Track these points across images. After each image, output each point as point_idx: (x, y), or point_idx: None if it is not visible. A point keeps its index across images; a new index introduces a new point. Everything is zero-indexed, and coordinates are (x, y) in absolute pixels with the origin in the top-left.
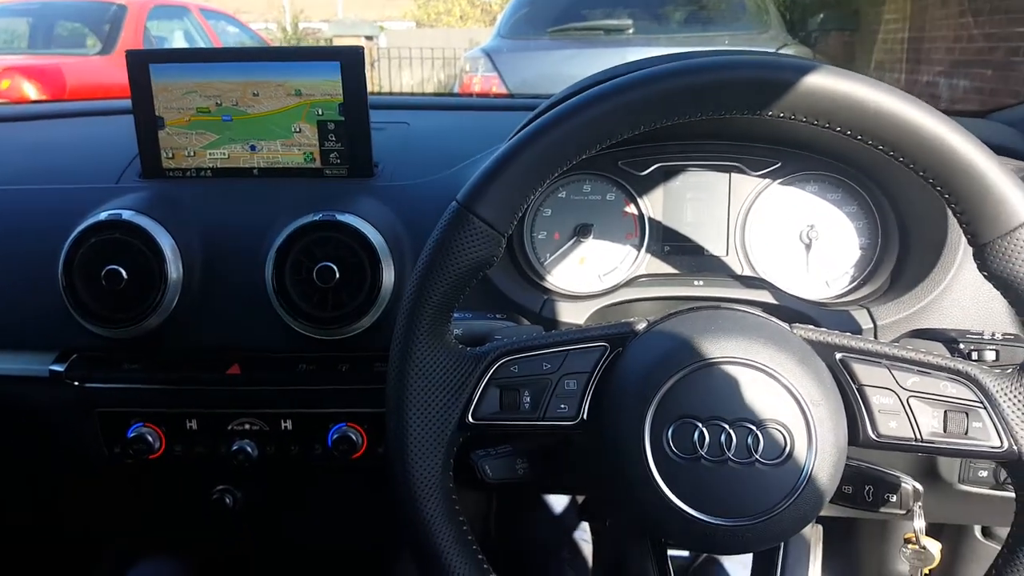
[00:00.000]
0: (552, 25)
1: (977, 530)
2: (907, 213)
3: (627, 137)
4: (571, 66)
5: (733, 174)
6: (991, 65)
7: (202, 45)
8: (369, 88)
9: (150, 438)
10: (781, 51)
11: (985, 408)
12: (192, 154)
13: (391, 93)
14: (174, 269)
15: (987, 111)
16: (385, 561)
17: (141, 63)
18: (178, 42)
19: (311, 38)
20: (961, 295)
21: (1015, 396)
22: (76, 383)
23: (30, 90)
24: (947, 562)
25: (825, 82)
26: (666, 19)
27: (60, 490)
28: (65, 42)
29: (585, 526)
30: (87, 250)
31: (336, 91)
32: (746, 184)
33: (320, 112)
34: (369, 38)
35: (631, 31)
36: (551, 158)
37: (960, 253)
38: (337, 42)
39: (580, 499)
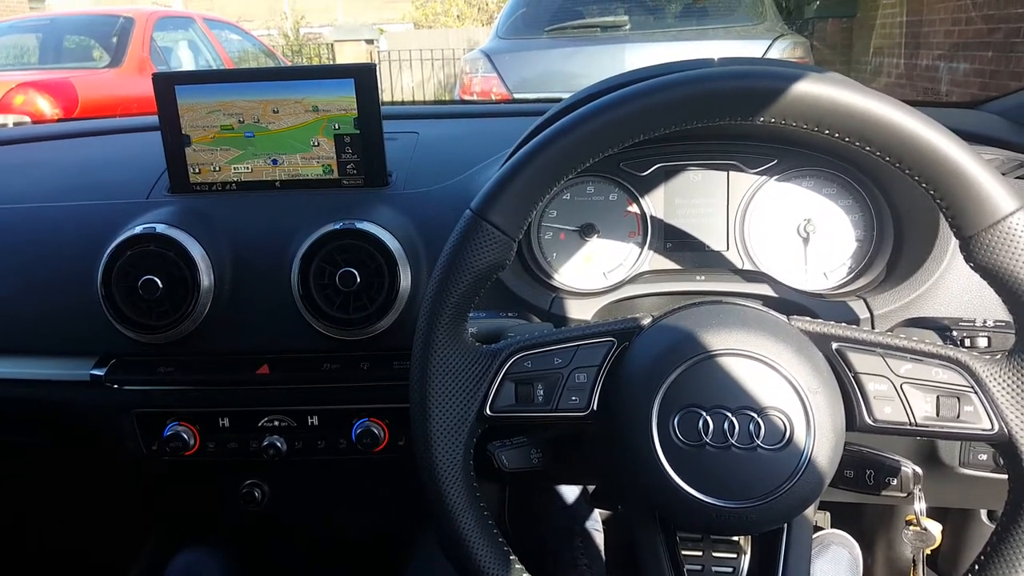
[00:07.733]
0: (549, 24)
1: (983, 514)
2: (900, 206)
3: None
4: (569, 64)
5: (731, 172)
6: (991, 47)
7: (207, 54)
8: None
9: (185, 436)
10: (777, 41)
11: (976, 392)
12: (217, 169)
13: (399, 102)
14: (206, 278)
15: (979, 102)
16: (404, 549)
17: (167, 85)
18: (184, 52)
19: (312, 43)
20: (955, 284)
21: (1004, 380)
22: (115, 386)
23: (44, 105)
24: (953, 546)
25: (812, 89)
26: (661, 14)
27: (100, 487)
28: (75, 56)
29: (596, 514)
30: (124, 262)
31: (351, 106)
32: (744, 181)
33: (336, 126)
34: (369, 42)
35: (627, 28)
36: (557, 168)
37: (952, 244)
38: (338, 47)
39: (590, 489)
